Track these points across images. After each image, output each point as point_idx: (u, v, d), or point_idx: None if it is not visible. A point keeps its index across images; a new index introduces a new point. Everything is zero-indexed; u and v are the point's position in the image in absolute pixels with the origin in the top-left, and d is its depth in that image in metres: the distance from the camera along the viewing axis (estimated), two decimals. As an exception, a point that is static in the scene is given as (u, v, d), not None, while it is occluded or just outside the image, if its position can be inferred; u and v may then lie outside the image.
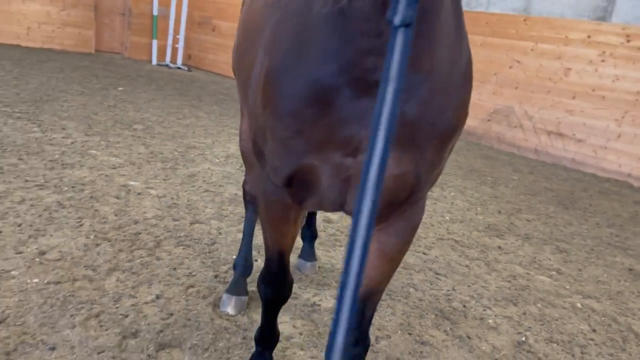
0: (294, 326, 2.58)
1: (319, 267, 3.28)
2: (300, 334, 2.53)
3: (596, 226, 5.23)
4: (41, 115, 5.98)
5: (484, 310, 3.12)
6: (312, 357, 2.36)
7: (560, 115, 8.27)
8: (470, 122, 9.32)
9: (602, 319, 3.22)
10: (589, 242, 4.69)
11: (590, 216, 5.58)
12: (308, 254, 3.25)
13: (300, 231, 3.07)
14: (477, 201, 5.53)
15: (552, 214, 5.53)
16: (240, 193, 4.37)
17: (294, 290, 2.89)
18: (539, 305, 3.31)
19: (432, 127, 1.22)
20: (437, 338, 2.72)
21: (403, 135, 1.17)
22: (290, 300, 2.78)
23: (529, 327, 3.00)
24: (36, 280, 2.59)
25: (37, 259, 2.78)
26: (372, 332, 2.64)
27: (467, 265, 3.74)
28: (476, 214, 5.05)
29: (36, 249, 2.89)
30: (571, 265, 4.05)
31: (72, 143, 5.06)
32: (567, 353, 2.77)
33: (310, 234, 3.25)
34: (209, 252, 3.22)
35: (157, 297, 2.64)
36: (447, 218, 4.77)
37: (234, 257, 3.24)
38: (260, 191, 1.55)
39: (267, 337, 2.07)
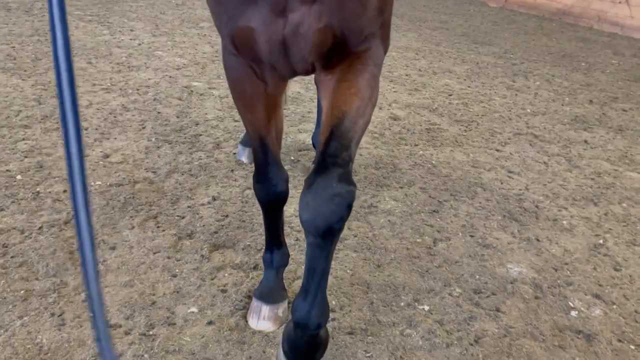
0: (348, 228, 2.52)
1: (380, 166, 3.15)
2: (355, 235, 2.47)
3: None
4: (111, 17, 6.01)
5: (559, 210, 2.88)
6: (364, 259, 2.31)
7: (676, -14, 7.11)
8: (566, 0, 8.31)
9: (699, 220, 2.88)
10: (696, 133, 4.14)
11: (702, 104, 4.90)
12: None
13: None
14: (566, 90, 5.01)
15: (655, 102, 4.92)
16: (303, 92, 4.23)
17: (350, 191, 2.80)
18: (624, 204, 3.00)
19: None
20: (502, 240, 2.56)
21: None
22: (346, 201, 2.71)
23: (609, 229, 2.74)
24: (99, 182, 2.68)
25: (101, 162, 2.87)
26: (430, 234, 2.53)
27: (545, 162, 3.44)
28: (562, 105, 4.58)
29: (101, 152, 2.98)
30: (669, 161, 3.61)
31: (139, 45, 5.07)
32: (650, 258, 2.53)
33: None
34: (267, 153, 3.18)
35: (214, 198, 2.66)
36: (528, 110, 4.37)
37: (292, 158, 3.18)
38: (224, 68, 1.61)
39: (273, 252, 1.94)
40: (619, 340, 1.98)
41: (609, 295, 2.24)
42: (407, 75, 4.96)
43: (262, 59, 1.44)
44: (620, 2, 7.74)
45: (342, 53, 1.41)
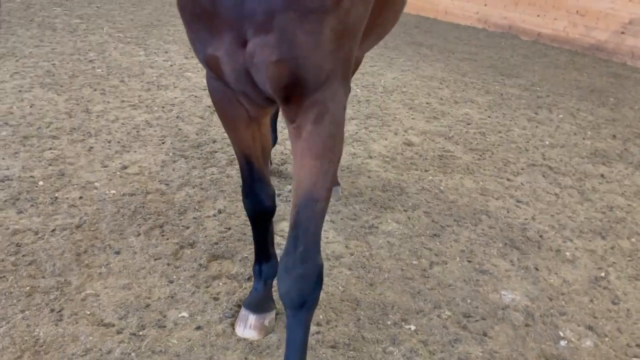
0: (346, 246, 2.57)
1: (387, 189, 3.20)
2: (351, 254, 2.52)
3: None
4: (148, 39, 6.31)
5: (564, 242, 2.86)
6: (357, 277, 2.35)
7: None
8: (600, 36, 8.25)
9: None
10: None
11: None
12: None
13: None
14: (589, 125, 4.96)
15: (682, 139, 4.81)
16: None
17: (353, 210, 2.87)
18: (633, 239, 2.96)
19: (297, 8, 1.25)
20: (500, 268, 2.56)
21: (272, 19, 1.26)
22: (347, 221, 2.78)
23: (613, 263, 2.71)
24: (114, 191, 2.83)
25: (118, 173, 3.02)
26: (427, 257, 2.56)
27: (556, 194, 3.42)
28: (583, 139, 4.55)
29: (120, 163, 3.14)
30: (688, 198, 3.53)
31: (171, 66, 5.31)
32: (651, 293, 2.48)
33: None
34: (277, 172, 3.28)
35: (219, 211, 2.76)
36: (547, 143, 4.35)
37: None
38: (208, 90, 1.70)
39: (262, 264, 2.02)
40: (605, 372, 1.96)
41: (602, 328, 2.21)
42: (427, 103, 5.02)
43: (231, 86, 1.50)
44: (655, 39, 7.64)
45: (301, 93, 1.37)
